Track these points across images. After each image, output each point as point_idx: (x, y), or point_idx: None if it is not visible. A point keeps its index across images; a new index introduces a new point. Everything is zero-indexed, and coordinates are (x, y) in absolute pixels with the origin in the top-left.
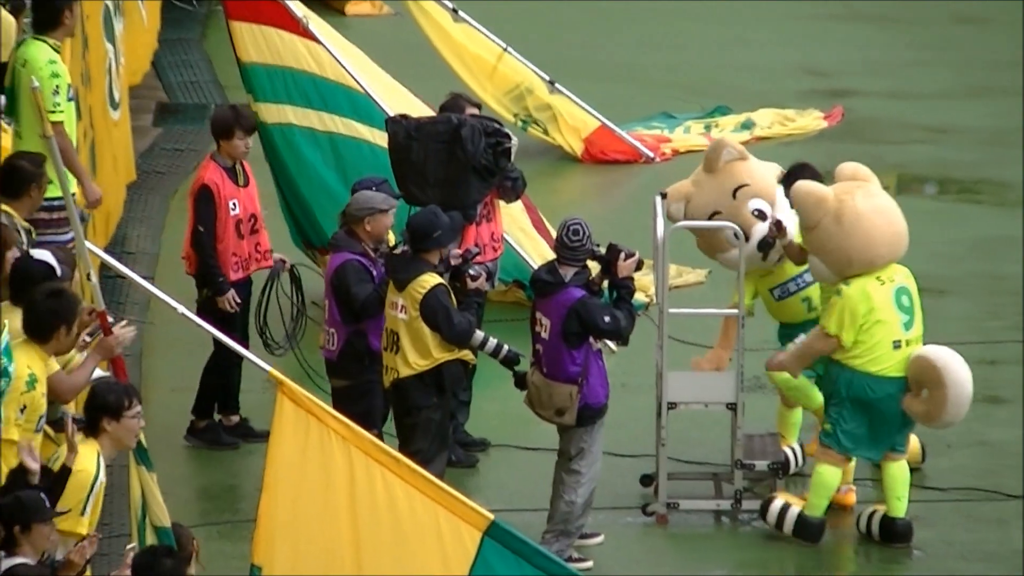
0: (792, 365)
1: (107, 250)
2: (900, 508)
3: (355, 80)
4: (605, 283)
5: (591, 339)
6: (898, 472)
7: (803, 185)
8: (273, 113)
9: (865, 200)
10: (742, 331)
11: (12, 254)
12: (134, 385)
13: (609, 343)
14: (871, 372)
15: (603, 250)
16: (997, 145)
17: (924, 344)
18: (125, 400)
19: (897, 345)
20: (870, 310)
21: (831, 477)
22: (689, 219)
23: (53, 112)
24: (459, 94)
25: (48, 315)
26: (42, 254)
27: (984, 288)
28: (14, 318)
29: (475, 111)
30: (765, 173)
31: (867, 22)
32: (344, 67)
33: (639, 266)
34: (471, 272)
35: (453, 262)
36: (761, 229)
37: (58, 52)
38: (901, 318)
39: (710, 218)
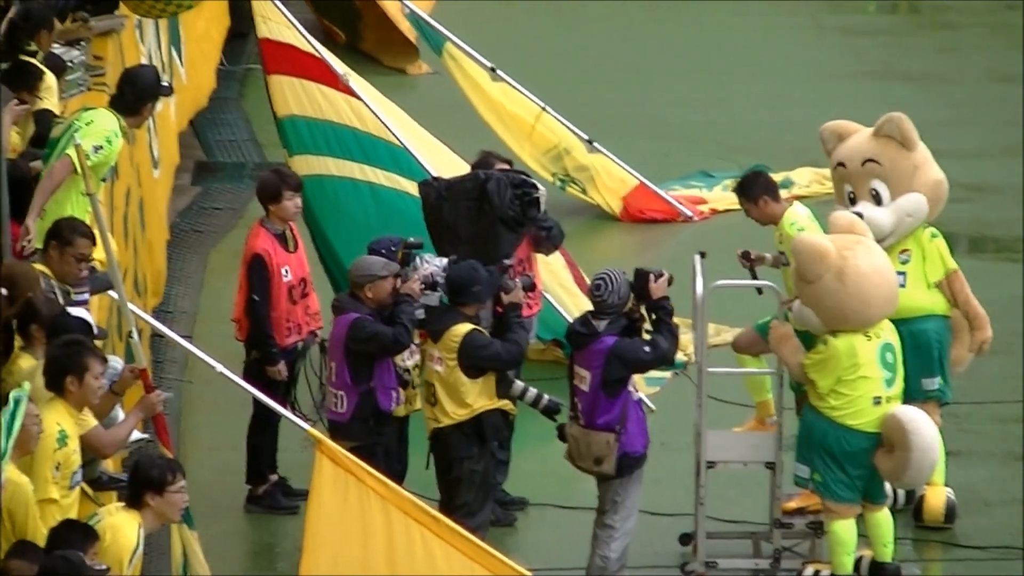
0: (775, 351)
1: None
2: (887, 554)
3: (395, 136)
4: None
5: (630, 388)
6: (881, 520)
7: (806, 239)
8: (313, 165)
9: (866, 258)
10: (781, 391)
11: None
12: (176, 455)
13: (647, 401)
14: (849, 425)
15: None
16: None
17: (903, 402)
18: (168, 475)
19: (877, 401)
20: (854, 365)
21: (844, 532)
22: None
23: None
24: (489, 152)
25: (54, 365)
26: (79, 311)
27: (1021, 347)
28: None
29: (505, 167)
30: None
31: (904, 80)
32: (384, 123)
33: (670, 282)
34: (503, 285)
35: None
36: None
37: (123, 133)
38: (884, 375)
39: (864, 164)
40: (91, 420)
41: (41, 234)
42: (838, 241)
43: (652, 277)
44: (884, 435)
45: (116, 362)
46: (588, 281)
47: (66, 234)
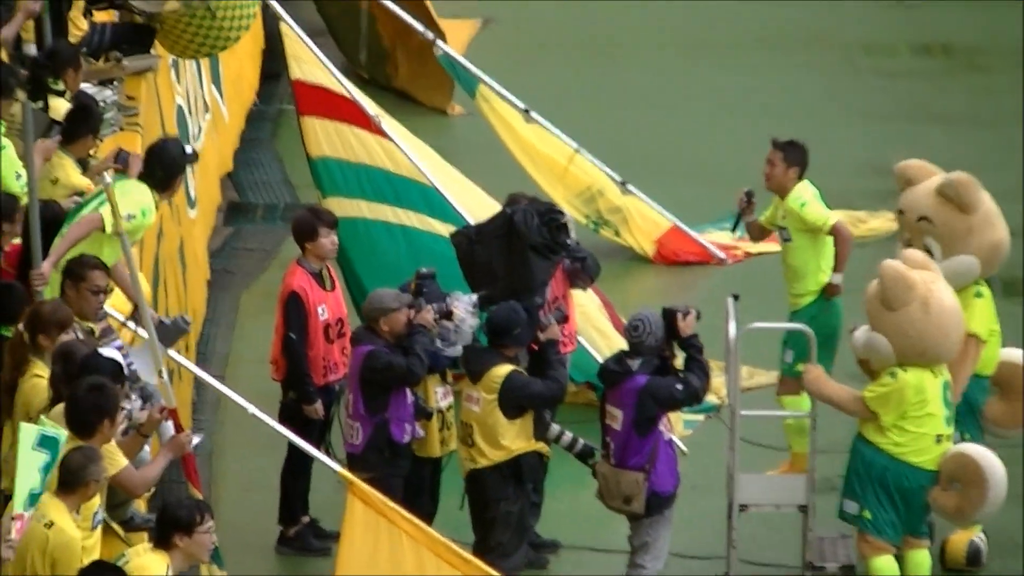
0: (814, 393)
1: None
2: None
3: (428, 179)
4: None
5: (661, 428)
6: (922, 560)
7: (893, 267)
8: (346, 206)
9: (947, 293)
10: (814, 433)
11: (66, 336)
12: (205, 493)
13: (679, 443)
14: (911, 462)
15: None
16: None
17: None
18: (197, 515)
19: (939, 439)
20: (922, 401)
21: (888, 568)
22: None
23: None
24: (517, 193)
25: (90, 410)
26: (111, 352)
27: None
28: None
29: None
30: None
31: (936, 123)
32: (416, 165)
33: (698, 318)
34: (540, 322)
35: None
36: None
37: (157, 207)
38: (945, 412)
39: (919, 221)
40: (121, 460)
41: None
42: (921, 274)
43: (680, 315)
44: (947, 473)
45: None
46: (624, 322)
47: (77, 269)
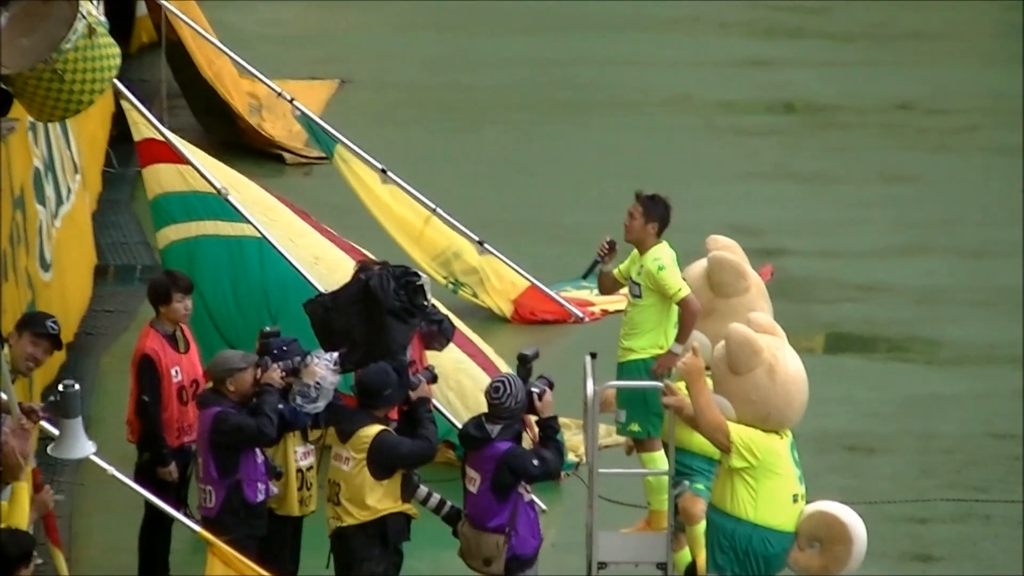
0: (689, 382)
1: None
2: None
3: (276, 247)
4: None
5: (521, 490)
6: None
7: (740, 332)
8: (180, 231)
9: (792, 361)
10: (672, 490)
11: None
12: (66, 553)
13: (539, 502)
14: (772, 526)
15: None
16: (927, 303)
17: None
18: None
19: (795, 499)
20: (775, 455)
21: None
22: None
23: None
24: (366, 260)
25: None
26: None
27: (914, 447)
28: None
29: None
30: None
31: (797, 181)
32: (265, 236)
33: (551, 386)
34: (410, 381)
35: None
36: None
37: None
38: (795, 472)
39: None
40: None
41: None
42: (767, 339)
43: (536, 396)
44: (807, 532)
45: None
46: (494, 363)
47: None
